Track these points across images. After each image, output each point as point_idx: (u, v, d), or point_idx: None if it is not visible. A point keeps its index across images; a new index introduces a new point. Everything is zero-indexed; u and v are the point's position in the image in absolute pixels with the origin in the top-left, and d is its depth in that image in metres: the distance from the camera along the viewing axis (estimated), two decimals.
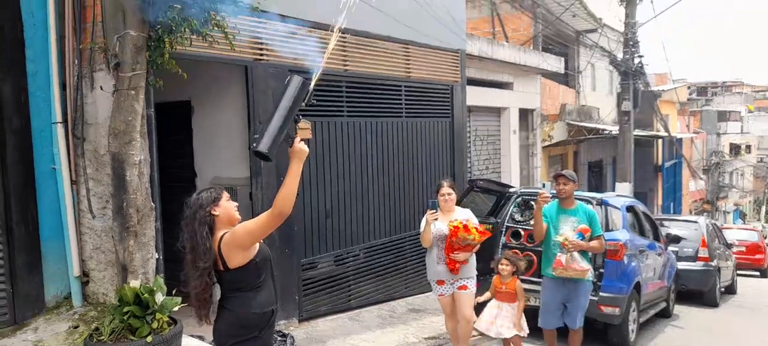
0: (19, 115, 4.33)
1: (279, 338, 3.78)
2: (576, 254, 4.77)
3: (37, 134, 4.45)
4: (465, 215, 4.80)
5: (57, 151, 4.46)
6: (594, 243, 4.90)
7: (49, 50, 4.42)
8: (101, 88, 4.12)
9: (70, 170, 4.49)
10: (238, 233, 2.66)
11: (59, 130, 4.43)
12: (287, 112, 2.46)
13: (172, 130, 5.86)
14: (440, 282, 4.86)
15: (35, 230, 4.46)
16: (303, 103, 2.53)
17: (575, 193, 5.21)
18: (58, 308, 4.60)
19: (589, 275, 4.89)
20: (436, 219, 4.67)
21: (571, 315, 4.99)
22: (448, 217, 4.76)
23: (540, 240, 5.05)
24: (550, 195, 5.00)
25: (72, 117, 4.45)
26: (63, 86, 4.44)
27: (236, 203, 2.83)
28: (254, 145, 2.45)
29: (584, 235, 4.84)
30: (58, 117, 4.42)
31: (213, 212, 2.71)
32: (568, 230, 4.81)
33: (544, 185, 5.85)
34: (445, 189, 4.81)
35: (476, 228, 4.69)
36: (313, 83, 2.55)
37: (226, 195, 2.81)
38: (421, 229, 4.81)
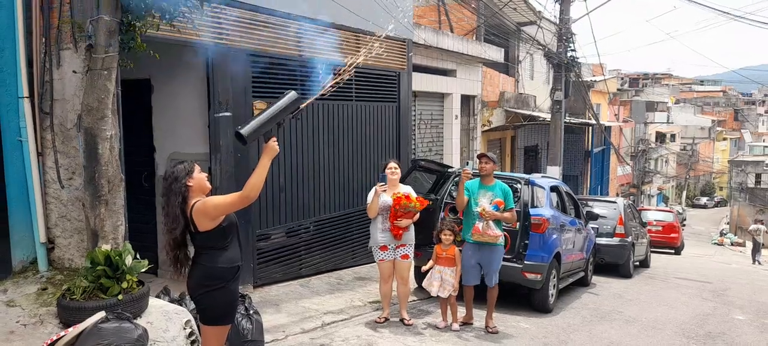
0: None
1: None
2: (492, 223, 5.54)
3: (4, 108, 4.64)
4: (405, 190, 5.59)
5: (24, 124, 4.67)
6: (507, 214, 5.69)
7: (15, 28, 4.61)
8: (74, 72, 4.39)
9: (36, 143, 4.73)
10: (208, 206, 3.16)
11: (26, 104, 4.65)
12: (274, 115, 2.99)
13: (132, 106, 6.10)
14: (383, 248, 5.57)
15: (3, 199, 4.69)
16: (290, 115, 3.08)
17: (504, 173, 5.95)
18: (24, 273, 4.85)
19: (501, 240, 5.67)
20: (384, 191, 5.43)
21: (488, 275, 5.78)
22: (392, 190, 5.52)
23: (462, 210, 5.80)
24: (472, 172, 5.75)
25: (39, 92, 4.68)
26: (30, 63, 4.66)
27: (207, 174, 3.32)
28: (239, 127, 2.96)
29: (499, 207, 5.62)
30: (25, 92, 4.63)
31: (188, 183, 3.18)
32: (485, 202, 5.57)
33: (468, 163, 6.66)
34: (392, 164, 5.61)
35: (416, 198, 5.51)
36: (304, 104, 3.10)
37: (198, 168, 3.29)
38: (369, 200, 5.50)
